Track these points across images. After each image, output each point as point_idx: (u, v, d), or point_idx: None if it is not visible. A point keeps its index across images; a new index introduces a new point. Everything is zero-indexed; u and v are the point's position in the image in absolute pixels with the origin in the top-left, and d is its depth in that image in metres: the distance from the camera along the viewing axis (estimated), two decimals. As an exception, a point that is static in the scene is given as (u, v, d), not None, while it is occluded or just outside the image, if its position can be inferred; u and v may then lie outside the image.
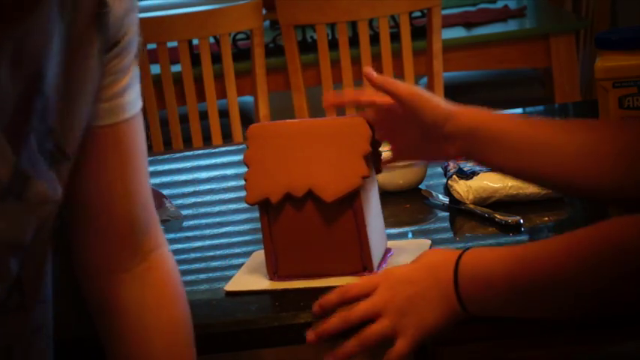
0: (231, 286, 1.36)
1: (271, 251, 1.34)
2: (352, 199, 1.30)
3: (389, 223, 1.60)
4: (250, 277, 1.38)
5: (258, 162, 1.33)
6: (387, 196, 1.64)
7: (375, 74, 1.31)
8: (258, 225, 1.62)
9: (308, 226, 1.32)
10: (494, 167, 1.31)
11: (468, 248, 1.17)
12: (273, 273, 1.34)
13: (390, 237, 1.54)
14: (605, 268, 1.05)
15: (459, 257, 1.16)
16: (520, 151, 1.21)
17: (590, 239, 1.07)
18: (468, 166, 1.62)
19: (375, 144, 1.33)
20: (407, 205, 1.61)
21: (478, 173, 1.57)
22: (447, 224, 1.55)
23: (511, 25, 3.35)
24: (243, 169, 1.63)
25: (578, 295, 1.09)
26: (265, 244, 1.35)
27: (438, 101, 1.28)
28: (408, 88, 1.30)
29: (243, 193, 1.84)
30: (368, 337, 1.19)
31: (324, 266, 1.33)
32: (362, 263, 1.32)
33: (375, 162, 1.35)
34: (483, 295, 1.14)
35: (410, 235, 1.56)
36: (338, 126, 1.33)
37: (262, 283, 1.35)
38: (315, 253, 1.33)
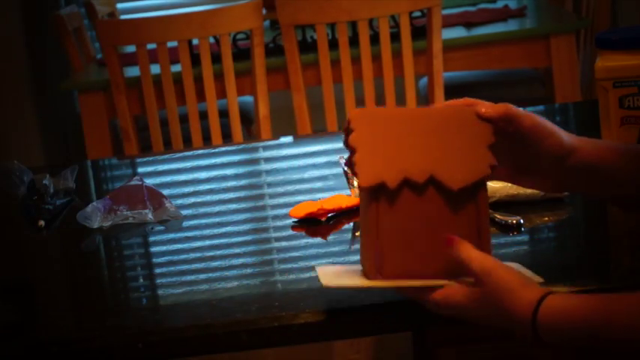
0: (327, 279, 1.21)
1: (377, 245, 1.17)
2: (476, 190, 1.18)
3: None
4: (344, 272, 1.24)
5: (369, 145, 1.17)
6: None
7: (492, 111, 1.20)
8: (258, 225, 1.62)
9: (424, 217, 1.17)
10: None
11: (547, 295, 1.13)
12: (377, 271, 1.18)
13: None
14: None
15: (538, 306, 1.12)
16: None
17: None
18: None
19: None
20: (407, 205, 1.61)
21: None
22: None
23: (511, 25, 3.35)
24: (243, 169, 1.63)
25: None
26: (369, 237, 1.18)
27: (560, 134, 1.23)
28: (531, 118, 1.22)
29: (243, 193, 1.84)
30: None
31: (432, 266, 1.18)
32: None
33: None
34: (560, 343, 1.13)
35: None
36: (456, 115, 1.20)
37: (361, 280, 1.21)
38: (427, 250, 1.18)
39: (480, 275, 1.14)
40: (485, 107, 1.20)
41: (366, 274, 1.20)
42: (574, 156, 1.23)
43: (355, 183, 1.63)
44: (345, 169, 1.66)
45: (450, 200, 1.17)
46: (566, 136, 1.23)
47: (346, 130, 1.19)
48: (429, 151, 1.17)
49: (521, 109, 1.23)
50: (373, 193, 1.17)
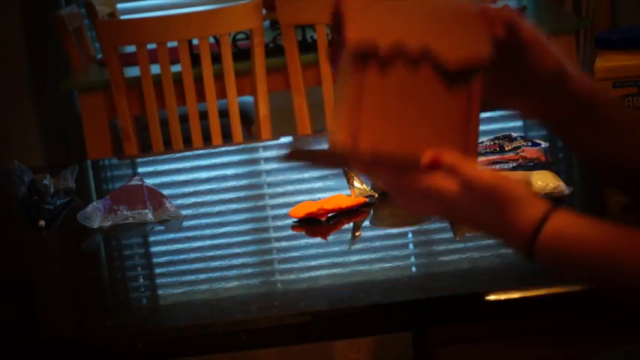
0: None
1: (356, 113, 1.06)
2: (471, 78, 1.08)
3: (389, 223, 1.60)
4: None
5: (361, 9, 1.06)
6: (387, 196, 1.64)
7: (496, 10, 1.10)
8: (258, 225, 1.63)
9: (412, 93, 1.07)
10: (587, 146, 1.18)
11: (550, 212, 1.05)
12: (352, 140, 1.05)
13: (391, 237, 1.55)
14: None
15: (541, 225, 1.05)
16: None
17: None
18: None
19: None
20: (407, 205, 1.61)
21: (478, 173, 1.57)
22: (447, 224, 1.55)
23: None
24: (243, 169, 1.63)
25: None
26: (349, 103, 1.06)
27: (560, 54, 1.14)
28: (533, 30, 1.12)
29: (243, 193, 1.85)
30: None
31: (414, 146, 1.06)
32: (464, 153, 1.08)
33: None
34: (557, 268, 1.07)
35: (410, 235, 1.56)
36: (458, 5, 1.10)
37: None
38: (408, 129, 1.07)
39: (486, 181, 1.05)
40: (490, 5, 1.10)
41: (335, 140, 1.06)
42: (574, 82, 1.14)
43: (355, 182, 1.63)
44: (346, 169, 1.66)
45: (442, 81, 1.07)
46: (565, 60, 1.15)
47: (334, 9, 1.08)
48: (426, 26, 1.07)
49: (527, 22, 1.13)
50: (361, 56, 1.05)
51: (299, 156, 1.14)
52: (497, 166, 1.60)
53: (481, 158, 1.65)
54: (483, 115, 2.15)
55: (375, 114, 1.06)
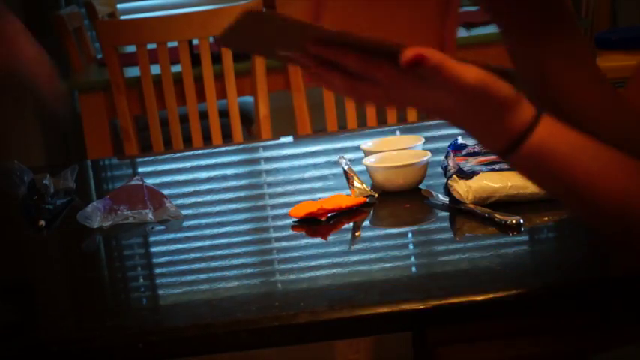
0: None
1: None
2: None
3: (389, 223, 1.60)
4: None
5: None
6: (387, 196, 1.64)
7: None
8: (258, 225, 1.63)
9: None
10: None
11: (537, 120, 1.01)
12: (314, 19, 0.96)
13: (391, 237, 1.55)
14: None
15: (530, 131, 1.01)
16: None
17: None
18: (468, 166, 1.62)
19: None
20: (407, 205, 1.61)
21: (478, 173, 1.57)
22: (446, 224, 1.55)
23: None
24: (243, 169, 1.63)
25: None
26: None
27: None
28: None
29: (243, 193, 1.85)
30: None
31: (387, 28, 0.94)
32: (439, 41, 0.98)
33: None
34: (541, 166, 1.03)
35: (410, 235, 1.56)
36: None
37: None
38: (382, 15, 0.95)
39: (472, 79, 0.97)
40: None
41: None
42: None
43: (355, 182, 1.63)
44: (345, 168, 1.66)
45: None
46: None
47: None
48: None
49: None
50: None
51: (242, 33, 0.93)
52: (497, 166, 1.60)
53: (481, 158, 1.65)
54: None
55: None
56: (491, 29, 3.31)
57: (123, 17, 4.09)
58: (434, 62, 0.94)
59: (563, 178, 1.03)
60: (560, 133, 1.03)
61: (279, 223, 1.65)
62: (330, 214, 1.58)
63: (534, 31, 1.09)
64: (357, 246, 1.50)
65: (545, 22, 1.08)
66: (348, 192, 1.63)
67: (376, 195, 1.63)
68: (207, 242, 1.59)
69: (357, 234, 1.55)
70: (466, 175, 1.57)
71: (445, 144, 1.77)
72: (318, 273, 1.41)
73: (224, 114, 3.09)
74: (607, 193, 1.03)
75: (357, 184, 1.63)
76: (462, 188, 1.55)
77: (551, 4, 1.08)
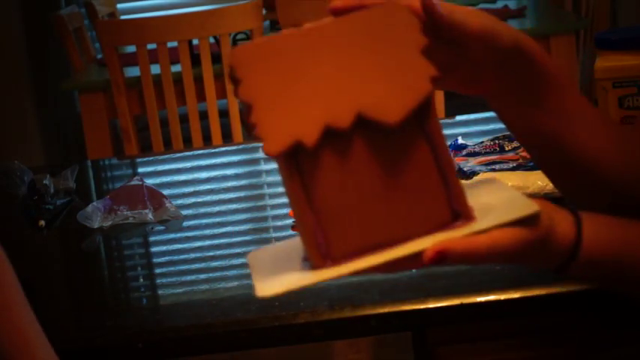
0: (265, 290, 0.90)
1: (313, 225, 0.88)
2: (422, 118, 0.89)
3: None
4: (282, 273, 0.92)
5: (265, 96, 0.87)
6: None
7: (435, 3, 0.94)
8: (258, 225, 1.62)
9: (364, 172, 0.88)
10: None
11: (579, 237, 0.98)
12: (322, 257, 0.89)
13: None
14: None
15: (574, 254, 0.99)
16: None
17: None
18: (468, 166, 1.62)
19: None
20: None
21: (478, 173, 1.56)
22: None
23: (511, 25, 3.34)
24: (243, 169, 1.63)
25: None
26: (301, 216, 0.88)
27: (507, 29, 1.04)
28: (478, 20, 1.00)
29: (243, 193, 1.85)
30: None
31: (395, 228, 0.89)
32: (450, 208, 0.90)
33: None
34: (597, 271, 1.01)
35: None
36: (366, 21, 0.89)
37: (305, 277, 0.90)
38: (380, 213, 0.89)
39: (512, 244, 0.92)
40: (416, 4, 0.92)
41: (311, 264, 0.90)
42: (535, 62, 1.03)
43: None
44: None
45: (391, 141, 0.88)
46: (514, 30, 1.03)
47: (232, 80, 0.91)
48: (347, 83, 0.87)
49: (462, 7, 1.00)
50: (290, 159, 0.87)
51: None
52: (497, 166, 1.60)
53: (481, 158, 1.65)
54: (483, 115, 2.16)
55: (334, 212, 0.88)
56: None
57: (123, 17, 4.09)
58: (458, 253, 0.89)
59: (627, 273, 1.01)
60: (605, 233, 1.00)
61: (279, 223, 1.65)
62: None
63: (519, 94, 1.04)
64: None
65: (528, 84, 1.04)
66: (348, 192, 1.63)
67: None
68: (207, 242, 1.59)
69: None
70: (466, 175, 1.57)
71: (445, 144, 1.76)
72: (318, 273, 1.41)
73: (224, 114, 3.09)
74: None
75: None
76: (462, 188, 1.54)
77: (529, 67, 1.04)
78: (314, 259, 0.89)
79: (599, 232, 1.00)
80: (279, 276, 0.91)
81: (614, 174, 1.07)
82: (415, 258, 0.88)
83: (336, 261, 0.89)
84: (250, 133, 0.89)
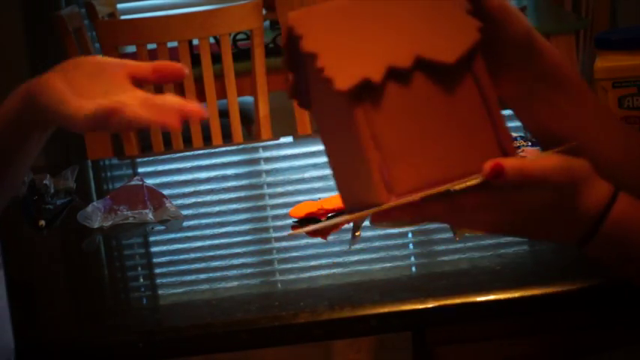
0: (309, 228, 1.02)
1: (377, 158, 0.91)
2: (471, 62, 0.95)
3: (389, 223, 1.60)
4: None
5: (329, 44, 0.93)
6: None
7: None
8: (258, 225, 1.62)
9: (424, 110, 0.93)
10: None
11: (614, 201, 0.98)
12: (388, 191, 0.91)
13: (391, 237, 1.55)
14: None
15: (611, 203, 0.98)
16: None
17: None
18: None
19: None
20: (407, 205, 1.61)
21: (478, 173, 1.56)
22: (446, 225, 1.55)
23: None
24: (243, 169, 1.63)
25: None
26: (362, 153, 0.92)
27: (525, 23, 1.03)
28: (500, 2, 1.02)
29: (243, 193, 1.85)
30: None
31: (452, 164, 0.93)
32: (499, 146, 0.95)
33: None
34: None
35: (410, 235, 1.56)
36: None
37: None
38: (439, 150, 0.93)
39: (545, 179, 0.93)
40: None
41: (376, 200, 0.92)
42: (541, 55, 1.04)
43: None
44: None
45: (445, 81, 0.94)
46: (526, 22, 1.03)
47: (288, 42, 0.95)
48: (404, 31, 0.94)
49: None
50: (356, 96, 0.91)
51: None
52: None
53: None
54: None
55: (396, 147, 0.92)
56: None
57: (123, 17, 4.09)
58: (515, 169, 0.92)
59: None
60: (637, 211, 0.98)
61: (279, 223, 1.65)
62: (330, 214, 1.58)
63: (531, 90, 1.05)
64: (357, 246, 1.50)
65: (539, 79, 1.05)
66: (348, 192, 1.63)
67: (376, 195, 1.63)
68: (207, 242, 1.59)
69: (357, 234, 1.55)
70: (466, 175, 1.57)
71: (445, 144, 1.77)
72: (318, 273, 1.41)
73: (224, 114, 3.09)
74: None
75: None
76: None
77: (539, 62, 1.04)
78: (379, 194, 0.91)
79: (633, 206, 0.98)
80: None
81: (630, 183, 1.05)
82: (474, 188, 0.92)
83: (400, 196, 0.91)
84: (292, 93, 0.99)
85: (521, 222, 0.96)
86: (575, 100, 1.06)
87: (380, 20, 0.95)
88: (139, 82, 1.06)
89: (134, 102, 0.98)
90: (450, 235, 1.51)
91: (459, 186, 0.92)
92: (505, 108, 1.07)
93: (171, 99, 0.99)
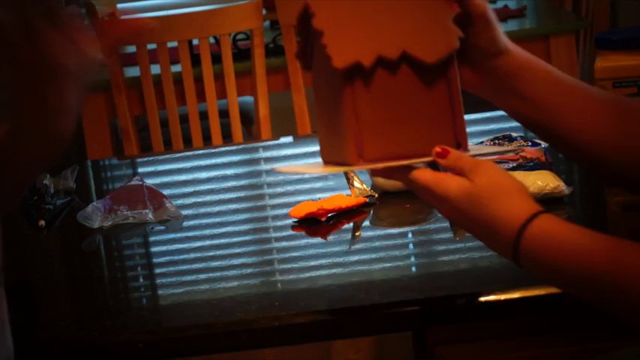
0: (288, 168, 1.25)
1: (356, 129, 1.13)
2: (446, 66, 1.14)
3: (389, 223, 1.60)
4: (314, 165, 1.23)
5: (335, 26, 1.12)
6: (387, 196, 1.64)
7: None
8: (258, 225, 1.63)
9: (399, 96, 1.14)
10: (517, 96, 1.18)
11: (539, 213, 1.05)
12: (358, 156, 1.13)
13: (391, 237, 1.55)
14: None
15: (527, 223, 1.04)
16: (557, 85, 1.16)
17: None
18: (467, 166, 1.62)
19: None
20: (407, 205, 1.61)
21: (478, 173, 1.56)
22: (447, 224, 1.55)
23: (511, 25, 3.35)
24: (243, 169, 1.63)
25: None
26: (345, 122, 1.13)
27: (499, 30, 1.18)
28: (483, 5, 1.16)
29: (243, 193, 1.85)
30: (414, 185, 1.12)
31: (414, 145, 1.14)
32: (455, 139, 1.15)
33: None
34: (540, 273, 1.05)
35: (410, 235, 1.56)
36: None
37: (343, 167, 1.17)
38: (405, 130, 1.14)
39: (472, 171, 1.09)
40: None
41: (347, 161, 1.14)
42: (507, 58, 1.17)
43: (355, 182, 1.63)
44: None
45: (422, 77, 1.13)
46: (502, 36, 1.18)
47: (302, 17, 1.14)
48: (396, 28, 1.14)
49: None
50: (348, 75, 1.11)
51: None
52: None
53: (480, 158, 1.65)
54: (483, 115, 2.16)
55: (373, 122, 1.13)
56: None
57: (123, 17, 4.09)
58: (454, 154, 1.11)
59: (573, 270, 1.02)
60: (564, 224, 1.04)
61: (279, 223, 1.65)
62: (330, 214, 1.58)
63: (497, 83, 1.19)
64: (357, 246, 1.50)
65: (501, 73, 1.18)
66: (348, 192, 1.63)
67: (376, 195, 1.63)
68: (207, 242, 1.59)
69: (357, 234, 1.55)
70: (466, 175, 1.57)
71: (445, 144, 1.77)
72: (318, 273, 1.41)
73: (224, 114, 3.09)
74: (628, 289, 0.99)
75: (357, 184, 1.63)
76: (462, 188, 1.54)
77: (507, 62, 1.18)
78: (351, 156, 1.12)
79: (556, 227, 1.03)
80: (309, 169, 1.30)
81: (613, 156, 1.13)
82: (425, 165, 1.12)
83: (367, 162, 1.13)
84: (302, 58, 1.19)
85: (453, 216, 1.10)
86: (543, 89, 1.16)
87: (379, 13, 1.13)
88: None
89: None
90: (450, 235, 1.51)
91: (413, 162, 1.12)
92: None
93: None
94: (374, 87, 1.12)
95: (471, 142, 1.72)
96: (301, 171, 1.27)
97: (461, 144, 1.15)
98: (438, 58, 1.12)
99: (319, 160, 1.19)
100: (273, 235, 1.64)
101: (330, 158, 1.18)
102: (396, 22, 1.14)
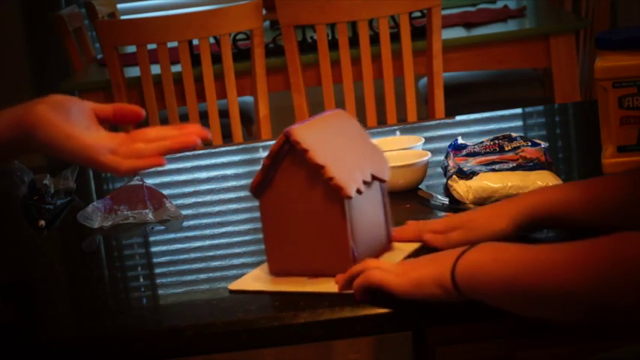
0: (234, 285, 1.35)
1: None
2: (383, 184, 1.36)
3: (389, 223, 1.60)
4: (256, 277, 1.38)
5: (329, 160, 1.30)
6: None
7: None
8: (258, 225, 1.62)
9: (367, 207, 1.34)
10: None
11: (467, 250, 1.17)
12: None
13: (390, 237, 1.55)
14: (618, 279, 1.05)
15: (458, 258, 1.17)
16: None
17: (600, 251, 1.07)
18: (468, 166, 1.62)
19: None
20: (407, 205, 1.61)
21: (478, 173, 1.56)
22: (446, 224, 1.55)
23: (511, 25, 3.35)
24: (243, 169, 1.63)
25: (587, 305, 1.08)
26: (347, 240, 1.32)
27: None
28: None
29: (243, 193, 1.85)
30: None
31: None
32: (388, 239, 1.36)
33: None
34: (478, 287, 1.16)
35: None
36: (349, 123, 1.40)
37: (262, 283, 1.34)
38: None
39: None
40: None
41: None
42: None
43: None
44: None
45: (373, 195, 1.33)
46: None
47: (292, 148, 1.31)
48: (360, 156, 1.35)
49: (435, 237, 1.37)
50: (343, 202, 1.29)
51: None
52: (497, 166, 1.61)
53: (481, 158, 1.65)
54: (483, 115, 2.15)
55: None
56: (491, 29, 3.32)
57: (123, 17, 4.09)
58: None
59: (500, 285, 1.15)
60: (491, 249, 1.17)
61: (279, 223, 1.64)
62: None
63: None
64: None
65: None
66: (348, 192, 1.63)
67: (376, 195, 1.63)
68: (207, 242, 1.59)
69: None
70: (466, 175, 1.57)
71: (445, 144, 1.77)
72: (318, 273, 1.41)
73: (224, 114, 3.09)
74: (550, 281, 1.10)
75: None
76: (462, 188, 1.55)
77: None
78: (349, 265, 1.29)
79: (483, 256, 1.16)
80: (250, 281, 1.37)
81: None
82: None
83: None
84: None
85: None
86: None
87: (349, 145, 1.34)
88: (102, 121, 1.26)
89: (152, 150, 1.29)
90: (450, 235, 1.51)
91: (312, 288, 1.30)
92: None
93: (172, 132, 1.16)
94: (359, 205, 1.31)
95: (471, 142, 1.73)
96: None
97: (391, 246, 1.37)
98: (388, 177, 1.37)
99: None
100: (273, 235, 1.63)
101: (308, 268, 1.32)
102: (358, 153, 1.34)
